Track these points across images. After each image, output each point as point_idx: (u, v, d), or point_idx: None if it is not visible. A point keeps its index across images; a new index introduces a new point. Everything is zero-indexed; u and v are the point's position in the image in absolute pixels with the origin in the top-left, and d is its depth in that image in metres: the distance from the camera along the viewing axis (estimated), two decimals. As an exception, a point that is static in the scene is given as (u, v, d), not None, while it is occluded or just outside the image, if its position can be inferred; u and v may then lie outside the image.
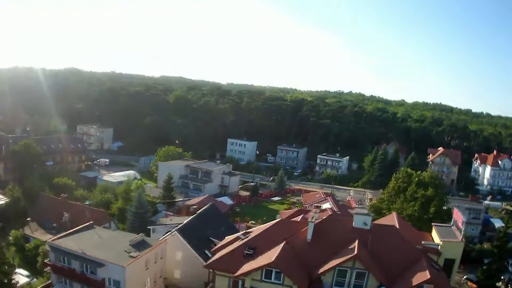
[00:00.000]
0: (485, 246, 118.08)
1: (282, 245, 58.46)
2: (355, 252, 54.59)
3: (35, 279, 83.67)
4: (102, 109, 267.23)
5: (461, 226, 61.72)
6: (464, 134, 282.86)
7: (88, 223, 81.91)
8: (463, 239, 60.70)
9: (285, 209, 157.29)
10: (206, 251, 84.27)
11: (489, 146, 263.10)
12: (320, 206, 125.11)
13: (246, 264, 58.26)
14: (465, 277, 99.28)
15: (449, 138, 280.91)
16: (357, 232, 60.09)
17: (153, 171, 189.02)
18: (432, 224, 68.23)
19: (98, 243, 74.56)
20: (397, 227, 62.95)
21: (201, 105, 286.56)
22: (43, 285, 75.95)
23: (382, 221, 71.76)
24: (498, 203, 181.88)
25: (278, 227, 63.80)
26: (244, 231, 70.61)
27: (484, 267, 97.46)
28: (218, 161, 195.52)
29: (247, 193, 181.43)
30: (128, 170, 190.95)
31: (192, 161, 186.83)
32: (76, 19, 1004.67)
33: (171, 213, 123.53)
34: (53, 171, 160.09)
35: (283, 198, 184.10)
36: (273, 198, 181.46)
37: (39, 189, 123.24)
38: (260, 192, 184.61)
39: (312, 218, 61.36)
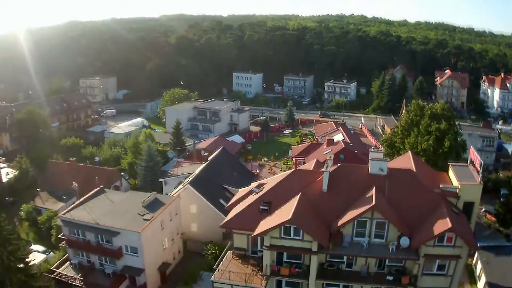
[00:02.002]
0: (501, 174, 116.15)
1: (297, 198, 56.77)
2: (373, 202, 52.87)
3: (51, 253, 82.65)
4: (104, 59, 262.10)
5: (479, 168, 58.79)
6: (470, 56, 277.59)
7: (98, 188, 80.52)
8: (481, 182, 58.19)
9: (297, 142, 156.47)
10: (221, 200, 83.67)
11: (495, 67, 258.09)
12: (333, 139, 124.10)
13: (262, 221, 56.93)
14: (483, 209, 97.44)
15: (455, 60, 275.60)
16: (374, 179, 58.28)
17: (161, 116, 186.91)
18: (449, 163, 65.82)
19: (110, 209, 73.39)
20: (414, 169, 60.63)
21: (203, 43, 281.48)
22: (60, 260, 74.95)
23: (398, 161, 69.58)
24: (510, 128, 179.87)
25: (292, 178, 61.90)
26: (258, 183, 68.37)
27: (502, 200, 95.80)
28: (226, 99, 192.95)
29: (258, 128, 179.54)
30: (136, 118, 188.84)
31: (199, 101, 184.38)
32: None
33: (182, 159, 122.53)
34: (59, 132, 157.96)
35: (294, 130, 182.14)
36: (284, 131, 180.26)
37: (46, 156, 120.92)
38: (271, 125, 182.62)
39: (326, 166, 59.16)
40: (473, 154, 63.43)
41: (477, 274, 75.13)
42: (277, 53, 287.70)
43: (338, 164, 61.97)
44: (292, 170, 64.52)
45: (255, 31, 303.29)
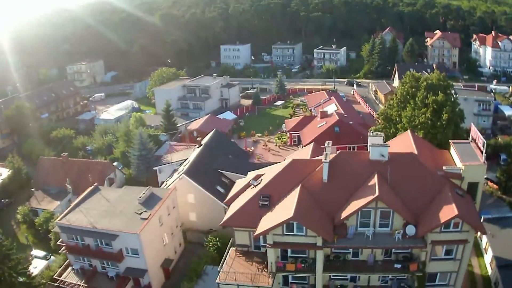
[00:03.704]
0: (499, 139, 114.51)
1: (298, 191, 55.28)
2: (377, 193, 51.29)
3: (52, 257, 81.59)
4: (89, 43, 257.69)
5: (482, 147, 57.20)
6: (458, 15, 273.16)
7: (93, 186, 78.54)
8: (485, 162, 56.60)
9: (290, 115, 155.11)
10: (218, 187, 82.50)
11: (485, 24, 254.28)
12: (326, 111, 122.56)
13: (263, 217, 55.77)
14: (485, 176, 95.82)
15: (443, 19, 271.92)
16: (375, 165, 56.67)
17: (150, 96, 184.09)
18: (450, 142, 64.11)
19: (106, 209, 71.52)
20: (415, 151, 58.82)
21: (188, 18, 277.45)
22: (62, 267, 73.46)
23: (397, 141, 67.06)
24: (504, 87, 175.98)
25: (291, 169, 60.05)
26: (255, 174, 66.50)
27: (503, 166, 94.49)
28: (214, 74, 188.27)
29: (249, 102, 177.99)
30: (125, 100, 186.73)
31: (188, 79, 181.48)
32: None
33: (175, 142, 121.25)
34: (49, 123, 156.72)
35: (286, 101, 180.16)
36: (276, 103, 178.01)
37: (38, 151, 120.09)
38: (262, 98, 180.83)
39: (325, 155, 57.32)
40: (474, 132, 61.79)
41: (483, 247, 74.29)
42: (263, 23, 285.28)
43: (337, 152, 60.12)
44: (290, 160, 62.05)
45: (240, 2, 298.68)
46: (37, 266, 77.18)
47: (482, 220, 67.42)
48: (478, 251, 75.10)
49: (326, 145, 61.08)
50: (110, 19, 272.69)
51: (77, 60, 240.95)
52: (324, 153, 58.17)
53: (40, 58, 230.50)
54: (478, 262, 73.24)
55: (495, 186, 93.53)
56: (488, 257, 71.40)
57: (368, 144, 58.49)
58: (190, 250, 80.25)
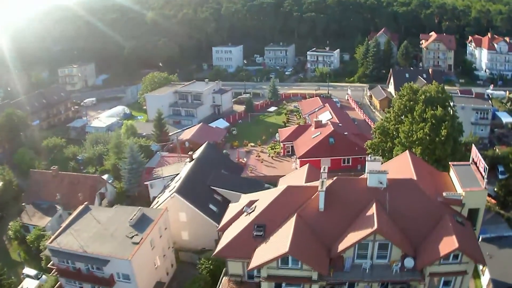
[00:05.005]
0: (497, 149, 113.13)
1: (293, 222, 53.64)
2: (375, 226, 49.68)
3: (44, 277, 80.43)
4: (82, 45, 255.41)
5: (483, 172, 55.64)
6: (454, 15, 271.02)
7: (83, 206, 76.81)
8: (486, 187, 55.20)
9: (283, 122, 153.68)
10: (211, 206, 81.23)
11: (480, 24, 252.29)
12: (321, 121, 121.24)
13: (258, 248, 54.14)
14: None
15: (438, 19, 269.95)
16: (373, 192, 55.02)
17: (142, 102, 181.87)
18: (450, 163, 62.60)
19: (97, 231, 69.82)
20: (414, 174, 57.38)
21: (180, 19, 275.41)
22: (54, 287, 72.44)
23: (395, 164, 65.68)
24: (501, 92, 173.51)
25: (286, 196, 58.33)
26: (249, 199, 64.57)
27: (501, 180, 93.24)
28: (207, 80, 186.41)
29: (242, 108, 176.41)
30: (116, 105, 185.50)
31: (179, 85, 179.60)
32: None
33: (167, 153, 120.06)
34: (40, 131, 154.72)
35: (279, 107, 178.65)
36: (269, 109, 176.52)
37: (29, 162, 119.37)
38: (255, 103, 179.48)
39: (322, 183, 55.58)
40: (475, 155, 60.16)
41: (480, 268, 72.57)
42: (256, 23, 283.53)
43: (334, 178, 58.40)
44: (285, 187, 60.50)
45: (232, 2, 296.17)
46: (28, 286, 76.51)
47: (480, 240, 66.36)
48: (475, 273, 73.20)
49: (322, 170, 59.33)
50: (103, 20, 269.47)
51: (68, 62, 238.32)
52: (320, 180, 56.43)
53: (30, 60, 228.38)
54: (474, 284, 71.81)
55: (493, 200, 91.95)
56: (485, 279, 70.01)
57: (366, 171, 56.86)
58: (182, 270, 79.02)
